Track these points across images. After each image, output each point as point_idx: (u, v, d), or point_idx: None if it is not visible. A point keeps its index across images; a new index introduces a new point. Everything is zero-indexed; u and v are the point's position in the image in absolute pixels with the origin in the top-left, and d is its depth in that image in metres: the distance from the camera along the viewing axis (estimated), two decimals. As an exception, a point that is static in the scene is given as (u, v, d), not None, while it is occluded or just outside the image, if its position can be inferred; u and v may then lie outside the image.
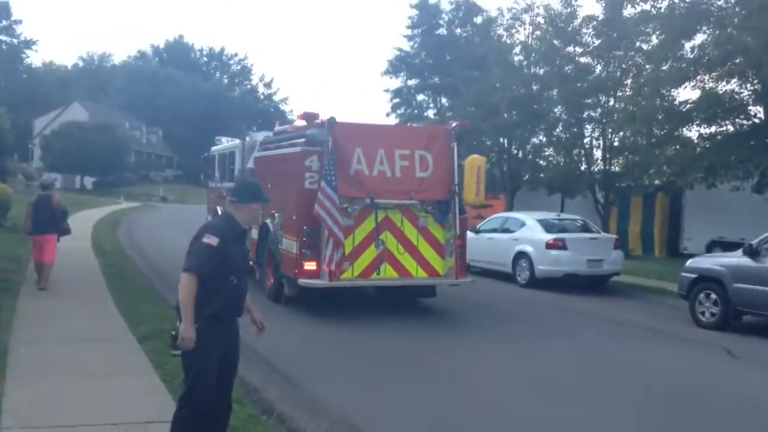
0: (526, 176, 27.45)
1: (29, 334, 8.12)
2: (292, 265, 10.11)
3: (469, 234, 17.57)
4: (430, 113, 36.36)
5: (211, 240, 4.16)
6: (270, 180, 11.14)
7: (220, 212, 4.63)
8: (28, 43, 72.28)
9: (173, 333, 4.23)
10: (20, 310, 9.48)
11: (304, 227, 9.94)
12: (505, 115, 25.79)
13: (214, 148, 17.23)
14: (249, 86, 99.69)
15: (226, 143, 16.36)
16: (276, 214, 11.10)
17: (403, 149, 10.24)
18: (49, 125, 66.36)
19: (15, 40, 71.40)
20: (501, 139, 27.97)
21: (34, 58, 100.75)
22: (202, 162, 18.28)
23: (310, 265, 9.92)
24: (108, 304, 10.46)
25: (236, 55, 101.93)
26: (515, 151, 28.08)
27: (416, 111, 36.26)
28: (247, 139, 14.08)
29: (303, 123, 11.10)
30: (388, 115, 36.67)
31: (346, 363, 7.87)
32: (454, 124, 10.74)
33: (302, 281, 9.80)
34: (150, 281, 13.20)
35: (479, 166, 10.55)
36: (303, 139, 10.25)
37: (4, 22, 70.31)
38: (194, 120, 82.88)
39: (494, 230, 17.04)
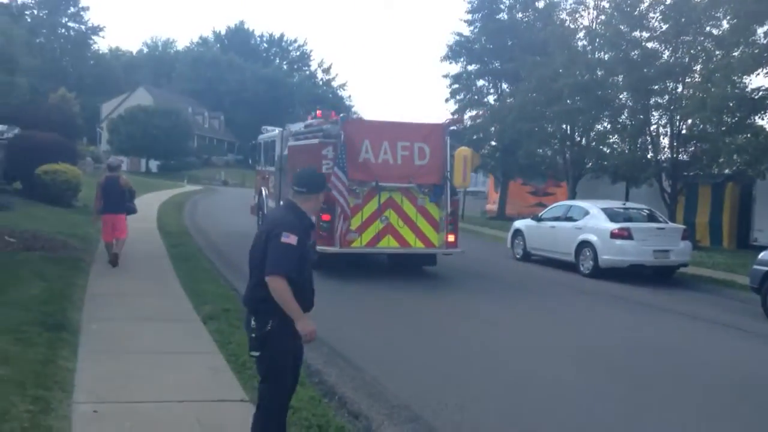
0: (589, 164, 26.86)
1: (100, 312, 8.36)
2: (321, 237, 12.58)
3: (530, 222, 17.54)
4: (491, 99, 35.89)
5: (291, 239, 4.02)
6: (298, 166, 13.49)
7: (283, 204, 4.48)
8: (96, 30, 74.53)
9: (252, 335, 4.10)
10: (91, 288, 9.78)
11: (321, 204, 11.73)
12: (568, 101, 25.25)
13: (260, 136, 19.80)
14: (308, 72, 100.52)
15: (270, 132, 18.71)
16: None
17: (404, 141, 12.70)
18: (116, 109, 68.31)
19: (83, 27, 73.73)
20: (563, 126, 27.43)
21: (101, 44, 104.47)
22: (250, 148, 21.30)
23: (326, 234, 12.46)
24: (174, 283, 10.71)
25: (295, 41, 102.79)
26: (578, 138, 27.50)
27: (476, 97, 35.84)
28: (285, 129, 16.72)
29: (320, 119, 13.93)
30: (446, 100, 36.36)
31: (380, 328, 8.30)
32: (447, 121, 13.27)
33: (319, 248, 12.27)
34: (212, 262, 13.50)
35: (466, 156, 12.84)
36: (321, 133, 12.92)
37: (72, 9, 72.60)
38: (254, 105, 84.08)
39: (557, 218, 16.77)
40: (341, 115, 13.33)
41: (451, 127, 13.48)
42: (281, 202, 4.73)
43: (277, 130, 17.62)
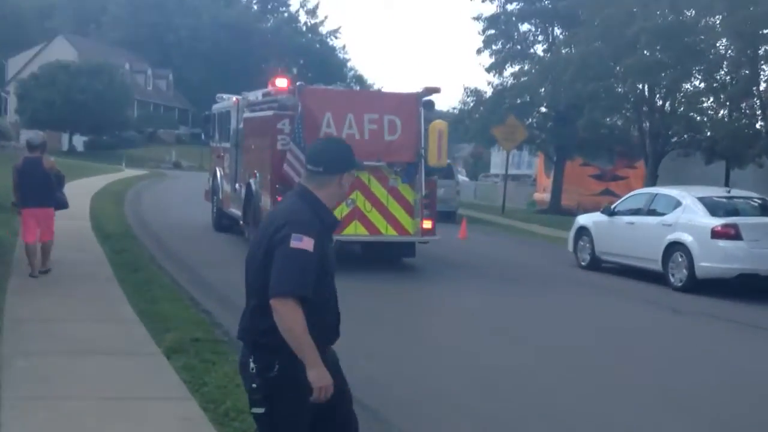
0: (675, 137, 26.84)
1: (26, 343, 8.30)
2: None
3: (601, 217, 17.52)
4: (539, 50, 35.87)
5: (305, 243, 3.72)
6: (253, 141, 16.01)
7: (292, 192, 4.06)
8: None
9: (252, 384, 3.81)
10: (11, 311, 9.71)
11: (277, 185, 14.32)
12: (646, 52, 25.22)
13: (214, 106, 21.29)
14: (286, 14, 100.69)
15: (225, 102, 20.29)
16: (258, 174, 15.93)
17: (372, 113, 14.35)
18: (27, 67, 68.56)
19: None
20: (639, 86, 27.37)
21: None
22: (203, 120, 22.97)
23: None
24: (121, 303, 10.68)
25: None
26: (659, 102, 27.45)
27: (518, 47, 35.84)
28: (242, 98, 17.95)
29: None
30: (479, 52, 36.35)
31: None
32: (422, 90, 14.82)
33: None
34: (170, 274, 13.50)
35: (441, 131, 14.40)
36: (276, 104, 14.50)
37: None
38: (214, 60, 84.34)
39: (636, 212, 16.74)
40: (298, 83, 14.94)
41: (427, 97, 15.09)
42: (290, 191, 4.43)
43: (233, 99, 19.02)
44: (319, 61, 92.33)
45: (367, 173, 14.43)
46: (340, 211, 14.00)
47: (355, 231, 14.54)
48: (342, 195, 4.13)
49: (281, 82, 15.37)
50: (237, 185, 18.29)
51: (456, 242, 21.95)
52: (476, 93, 35.90)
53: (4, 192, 22.93)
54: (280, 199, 13.91)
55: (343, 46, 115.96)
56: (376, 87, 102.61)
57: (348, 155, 4.06)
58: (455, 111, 39.12)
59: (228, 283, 13.16)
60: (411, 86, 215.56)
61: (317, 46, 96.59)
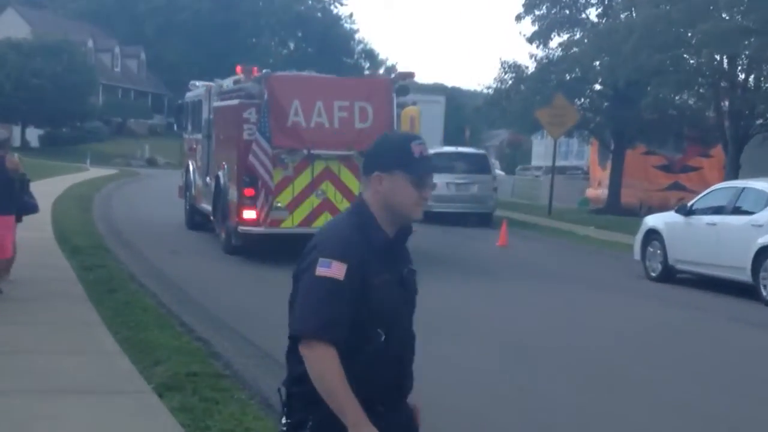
0: (761, 119, 26.76)
1: (-13, 380, 8.33)
2: (234, 214, 16.98)
3: (675, 217, 17.51)
4: (592, 15, 35.78)
5: (333, 270, 3.60)
6: (222, 131, 18.59)
7: (351, 206, 3.87)
8: None
9: None
10: (-35, 341, 9.74)
11: (244, 177, 16.53)
12: (725, 16, 25.13)
13: (187, 94, 23.47)
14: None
15: (196, 90, 22.45)
16: (225, 166, 18.15)
17: (342, 101, 16.52)
18: (-31, 45, 68.86)
19: None
20: (716, 57, 27.27)
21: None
22: (175, 111, 25.27)
23: (249, 214, 16.52)
24: (98, 330, 10.70)
25: None
26: (741, 76, 27.37)
27: (567, 11, 35.75)
28: (214, 86, 20.15)
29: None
30: (519, 18, 36.26)
31: None
32: (394, 75, 17.44)
33: (242, 229, 16.62)
34: (154, 294, 13.52)
35: (413, 117, 16.85)
36: (243, 92, 16.87)
37: None
38: (194, 34, 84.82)
39: (719, 211, 16.73)
40: (264, 70, 17.14)
41: (400, 83, 17.35)
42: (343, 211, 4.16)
43: (204, 87, 21.28)
44: (320, 33, 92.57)
45: (338, 163, 16.77)
46: (311, 203, 16.80)
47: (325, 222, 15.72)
48: (412, 201, 3.76)
49: (247, 72, 17.41)
50: (208, 179, 20.31)
51: (494, 251, 21.99)
52: (516, 68, 35.82)
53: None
54: (247, 192, 16.78)
55: (350, 15, 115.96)
56: (389, 63, 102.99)
57: (403, 149, 3.74)
58: (489, 91, 39.08)
59: (222, 304, 13.29)
60: (431, 63, 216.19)
61: (318, 14, 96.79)
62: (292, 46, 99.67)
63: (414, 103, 18.20)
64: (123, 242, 20.01)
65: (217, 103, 19.39)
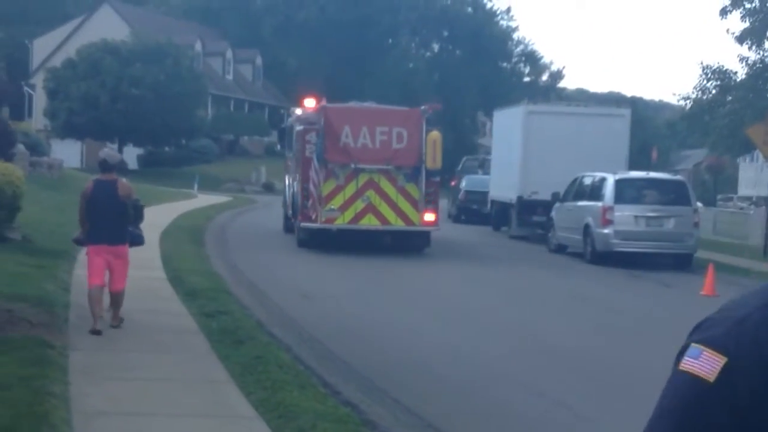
0: None
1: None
2: (299, 215, 26.89)
3: None
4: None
5: (704, 364, 2.53)
6: (297, 150, 29.12)
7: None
8: None
9: None
10: (80, 401, 10.00)
11: (304, 185, 26.55)
12: None
13: (288, 119, 34.15)
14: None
15: (292, 116, 32.64)
16: (297, 177, 28.46)
17: (383, 126, 25.87)
18: (60, 50, 71.05)
19: None
20: None
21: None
22: (279, 133, 42.14)
23: (306, 214, 26.18)
24: (228, 389, 10.96)
25: None
26: None
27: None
28: (300, 113, 30.04)
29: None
30: (725, 12, 35.69)
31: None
32: (425, 107, 27.17)
33: (303, 224, 26.29)
34: (288, 346, 13.81)
35: (435, 140, 26.20)
36: (306, 120, 26.82)
37: None
38: (320, 36, 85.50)
39: None
40: (321, 104, 27.38)
41: (428, 114, 27.70)
42: None
43: (296, 113, 31.24)
44: (471, 31, 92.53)
45: (380, 175, 26.60)
46: (357, 207, 26.49)
47: (369, 222, 26.70)
48: None
49: (309, 103, 28.66)
50: (292, 189, 30.65)
51: (699, 301, 21.54)
52: (721, 74, 35.21)
53: (46, 228, 24.02)
54: (305, 198, 27.55)
55: (507, 10, 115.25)
56: (554, 68, 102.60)
57: None
58: (686, 102, 38.48)
59: (369, 361, 13.40)
60: (605, 67, 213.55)
61: (468, 9, 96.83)
62: (436, 47, 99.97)
63: (438, 129, 27.94)
64: (245, 283, 20.59)
65: (297, 127, 29.92)
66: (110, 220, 13.22)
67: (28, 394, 9.70)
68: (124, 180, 13.71)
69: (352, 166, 26.29)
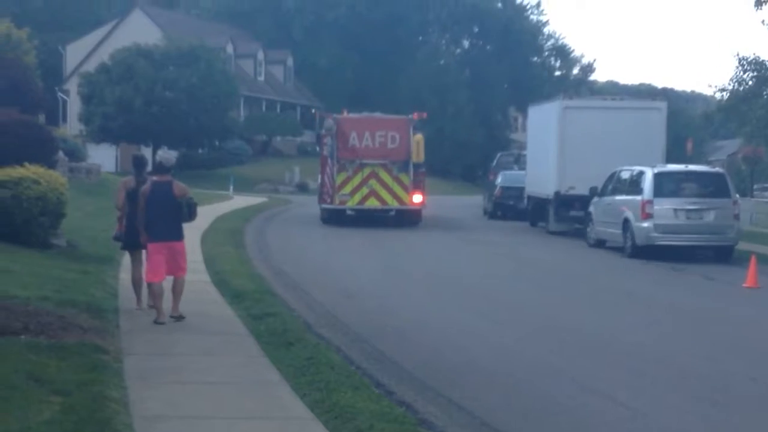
0: None
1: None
2: (320, 198, 38.51)
3: None
4: None
5: None
6: (321, 151, 40.42)
7: None
8: None
9: None
10: (140, 404, 10.15)
11: (323, 177, 37.41)
12: None
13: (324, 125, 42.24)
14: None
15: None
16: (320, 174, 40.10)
17: (381, 131, 36.56)
18: (93, 55, 71.56)
19: None
20: None
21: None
22: (317, 139, 48.68)
23: (324, 198, 37.50)
24: (282, 391, 11.12)
25: None
26: None
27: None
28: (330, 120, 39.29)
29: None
30: (759, 4, 35.55)
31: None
32: (412, 116, 37.89)
33: (323, 206, 37.51)
34: (339, 347, 13.99)
35: (418, 141, 36.23)
36: (324, 127, 40.90)
37: None
38: (351, 35, 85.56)
39: None
40: (334, 115, 37.57)
41: (414, 121, 36.62)
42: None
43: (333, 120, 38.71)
44: (501, 26, 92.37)
45: (380, 167, 35.54)
46: (363, 192, 35.52)
47: (372, 203, 35.76)
48: None
49: (344, 113, 38.44)
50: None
51: (743, 293, 21.52)
52: (758, 65, 35.05)
53: (89, 234, 24.23)
54: (322, 186, 37.76)
55: (537, 5, 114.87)
56: (585, 61, 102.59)
57: None
58: (722, 94, 38.31)
59: (418, 360, 13.50)
60: (636, 59, 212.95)
61: (498, 5, 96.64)
62: (466, 44, 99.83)
63: (422, 133, 36.85)
64: (289, 284, 20.69)
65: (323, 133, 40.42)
66: (168, 219, 14.42)
67: (88, 399, 9.84)
68: (179, 182, 14.75)
69: (358, 161, 35.75)
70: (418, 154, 35.88)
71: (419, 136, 36.31)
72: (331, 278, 22.02)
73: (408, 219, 36.85)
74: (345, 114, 38.64)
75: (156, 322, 14.34)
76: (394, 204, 36.19)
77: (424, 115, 38.99)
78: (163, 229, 14.51)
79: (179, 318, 14.67)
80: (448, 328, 16.23)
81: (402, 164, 35.93)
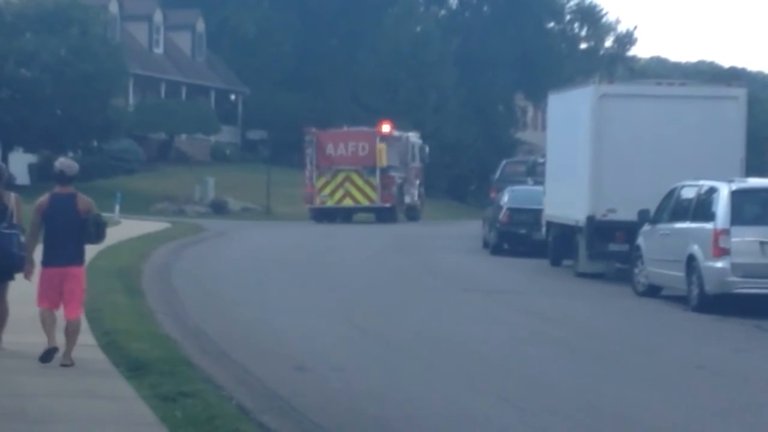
0: None
1: None
2: (304, 200, 79.18)
3: None
4: None
5: None
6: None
7: None
8: None
9: None
10: None
11: (306, 182, 76.84)
12: None
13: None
14: None
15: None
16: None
17: (353, 142, 77.42)
18: None
19: None
20: None
21: None
22: (304, 150, 76.50)
23: (308, 197, 78.39)
24: None
25: None
26: None
27: None
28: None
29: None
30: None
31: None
32: (375, 130, 79.12)
33: (307, 206, 76.87)
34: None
35: (381, 149, 74.35)
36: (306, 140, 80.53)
37: None
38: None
39: None
40: (315, 130, 75.30)
41: (378, 135, 75.44)
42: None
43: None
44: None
45: (353, 172, 70.97)
46: (339, 193, 71.23)
47: (347, 203, 71.79)
48: None
49: (386, 128, 73.62)
50: None
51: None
52: None
53: None
54: (305, 189, 75.76)
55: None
56: (621, 29, 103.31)
57: None
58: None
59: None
60: (687, 27, 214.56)
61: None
62: (454, 4, 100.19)
63: (384, 142, 70.01)
64: (211, 350, 20.47)
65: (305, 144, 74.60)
66: (66, 239, 15.78)
67: None
68: (82, 195, 15.69)
69: (335, 168, 64.10)
70: (381, 160, 65.09)
71: (381, 145, 66.31)
72: (275, 342, 21.83)
73: (383, 216, 67.23)
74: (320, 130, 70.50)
75: (46, 350, 15.93)
76: (365, 203, 67.12)
77: (391, 131, 69.68)
78: (60, 252, 15.71)
79: (71, 364, 16.09)
80: (454, 419, 16.02)
81: (370, 169, 65.42)
